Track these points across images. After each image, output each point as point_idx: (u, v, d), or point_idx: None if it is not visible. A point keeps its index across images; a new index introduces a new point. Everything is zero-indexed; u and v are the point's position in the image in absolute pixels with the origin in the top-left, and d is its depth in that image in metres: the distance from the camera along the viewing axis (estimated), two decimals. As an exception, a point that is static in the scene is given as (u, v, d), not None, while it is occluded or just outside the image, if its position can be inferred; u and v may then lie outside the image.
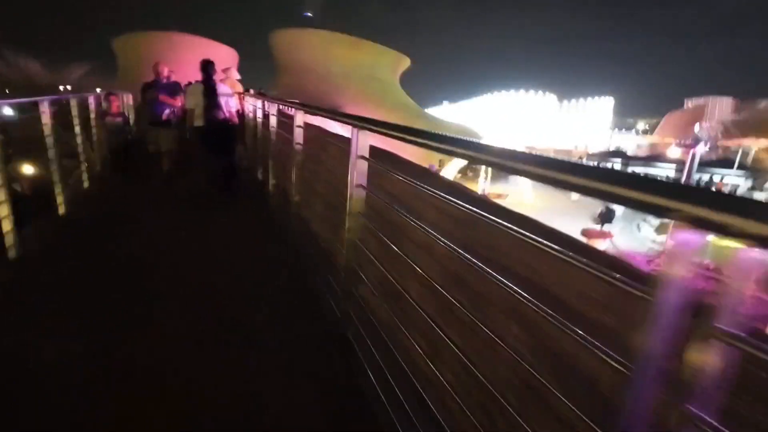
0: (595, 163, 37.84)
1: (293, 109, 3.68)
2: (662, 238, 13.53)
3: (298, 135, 3.50)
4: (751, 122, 56.29)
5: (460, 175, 23.44)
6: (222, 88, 4.96)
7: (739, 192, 26.49)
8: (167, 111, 5.30)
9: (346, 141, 2.01)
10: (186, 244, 3.36)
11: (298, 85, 29.85)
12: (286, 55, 33.14)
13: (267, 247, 3.39)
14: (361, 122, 1.93)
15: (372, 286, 1.91)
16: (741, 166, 27.53)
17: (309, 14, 38.39)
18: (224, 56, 23.83)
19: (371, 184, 1.88)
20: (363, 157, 1.92)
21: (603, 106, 79.14)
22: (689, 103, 72.49)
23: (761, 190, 25.90)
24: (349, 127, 1.98)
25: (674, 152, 52.39)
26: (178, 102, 5.35)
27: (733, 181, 27.22)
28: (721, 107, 63.08)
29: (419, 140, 1.29)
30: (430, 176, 2.09)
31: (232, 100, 5.71)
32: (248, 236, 3.69)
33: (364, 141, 1.97)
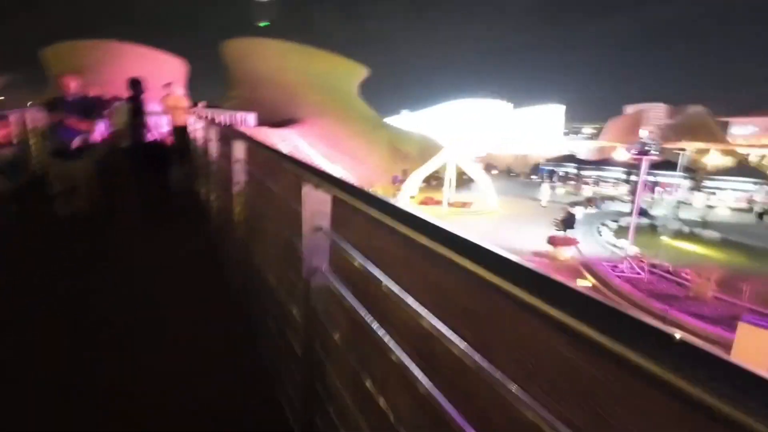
0: (552, 168, 39.33)
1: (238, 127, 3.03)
2: (622, 242, 13.79)
3: (239, 161, 2.76)
4: (683, 126, 61.28)
5: (424, 184, 23.22)
6: (152, 107, 4.49)
7: (681, 192, 28.19)
8: (77, 138, 4.04)
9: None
10: (97, 305, 2.50)
11: (253, 96, 28.64)
12: (240, 66, 31.82)
13: (205, 304, 2.58)
14: (310, 174, 1.35)
15: (338, 374, 1.26)
16: (684, 168, 29.51)
17: (263, 24, 37.23)
18: (170, 68, 22.31)
19: (334, 231, 1.38)
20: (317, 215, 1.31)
21: (555, 112, 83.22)
22: (628, 109, 77.89)
23: (700, 189, 27.72)
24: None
25: (620, 155, 55.74)
26: (96, 125, 4.13)
27: (676, 181, 29.01)
28: (656, 113, 68.32)
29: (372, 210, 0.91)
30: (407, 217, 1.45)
31: (163, 119, 4.80)
32: (182, 288, 2.81)
33: (319, 198, 1.33)
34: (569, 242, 12.19)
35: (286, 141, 19.86)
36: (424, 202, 22.62)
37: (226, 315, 2.46)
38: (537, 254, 12.97)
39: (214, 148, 4.01)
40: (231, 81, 32.61)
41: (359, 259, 1.17)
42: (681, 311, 8.73)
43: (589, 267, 11.34)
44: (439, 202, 22.30)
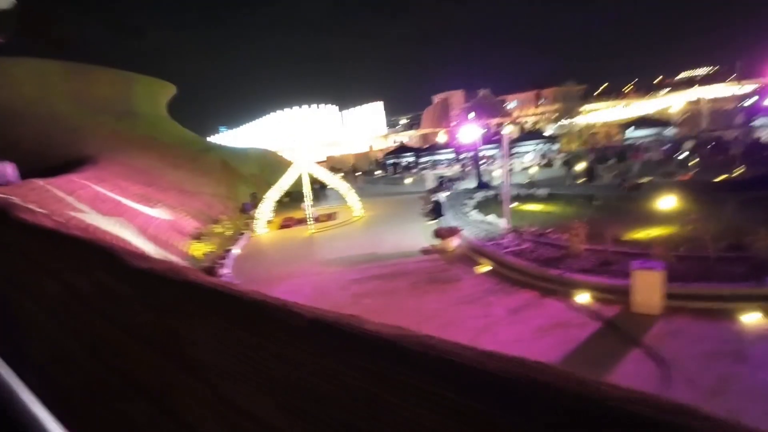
0: (393, 161, 41.29)
1: None
2: (491, 217, 14.38)
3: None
4: (480, 108, 73.61)
5: (276, 205, 20.55)
6: None
7: (498, 161, 32.88)
8: None
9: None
10: None
11: (4, 140, 20.51)
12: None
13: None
14: None
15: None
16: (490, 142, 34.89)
17: None
18: None
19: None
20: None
21: (376, 109, 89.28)
22: (436, 98, 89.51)
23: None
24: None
25: (442, 138, 63.17)
26: None
27: (490, 153, 33.58)
28: (457, 98, 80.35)
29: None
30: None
31: None
32: None
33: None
34: (454, 232, 11.86)
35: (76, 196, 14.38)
36: (285, 225, 20.04)
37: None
38: (426, 251, 12.26)
39: None
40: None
41: None
42: (571, 271, 8.97)
43: (479, 251, 11.12)
44: (301, 221, 20.07)
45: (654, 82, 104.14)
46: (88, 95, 25.94)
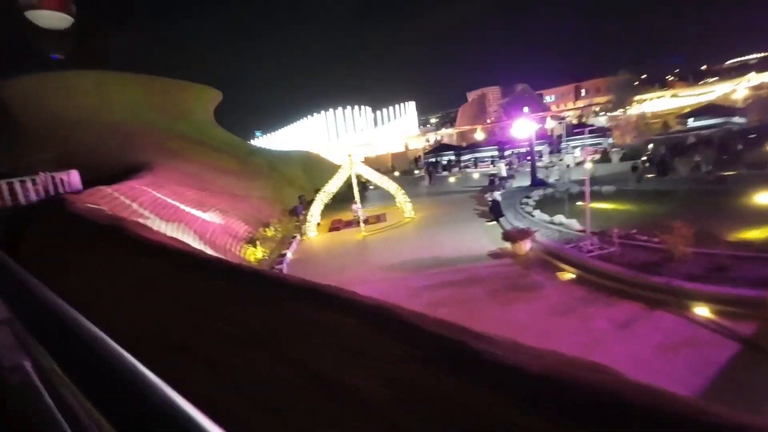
0: (433, 159, 40.39)
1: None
2: (560, 218, 13.36)
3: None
4: (518, 103, 71.12)
5: (320, 206, 20.22)
6: None
7: (546, 157, 31.41)
8: None
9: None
10: None
11: (66, 148, 21.45)
12: (37, 112, 23.77)
13: None
14: None
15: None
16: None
17: (58, 56, 28.37)
18: None
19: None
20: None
21: (408, 109, 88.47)
22: (470, 95, 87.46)
23: (559, 151, 31.24)
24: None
25: (480, 135, 61.51)
26: None
27: (538, 149, 31.99)
28: (494, 94, 78.19)
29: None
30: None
31: None
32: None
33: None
34: (526, 234, 10.99)
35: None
36: (334, 228, 19.77)
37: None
38: (496, 255, 11.45)
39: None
40: (24, 133, 24.14)
41: None
42: (680, 279, 7.88)
43: (557, 255, 10.19)
44: (349, 224, 19.72)
45: (701, 69, 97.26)
46: (144, 103, 26.93)
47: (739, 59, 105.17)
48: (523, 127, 20.86)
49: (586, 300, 8.28)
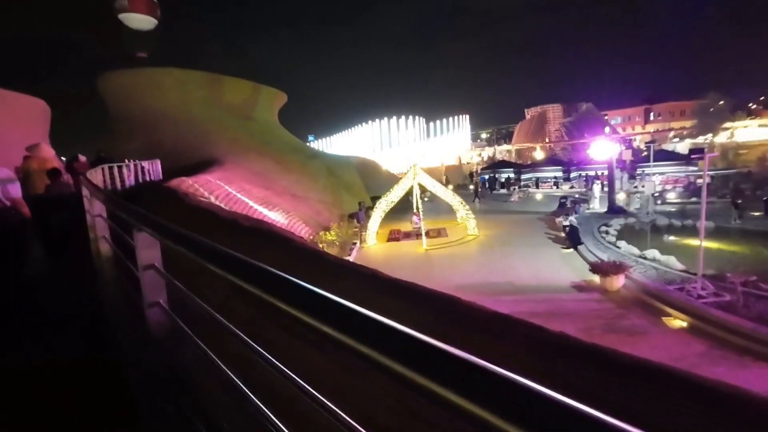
0: (491, 175, 39.09)
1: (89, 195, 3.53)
2: (653, 253, 11.98)
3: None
4: (582, 123, 67.67)
5: (381, 214, 19.78)
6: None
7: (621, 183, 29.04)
8: None
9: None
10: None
11: (151, 139, 22.89)
12: (128, 104, 25.63)
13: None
14: (140, 222, 1.77)
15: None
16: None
17: (142, 54, 30.60)
18: (24, 114, 16.11)
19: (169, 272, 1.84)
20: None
21: (462, 122, 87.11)
22: (529, 112, 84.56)
23: (635, 178, 28.87)
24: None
25: (539, 154, 59.07)
26: None
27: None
28: (555, 112, 74.93)
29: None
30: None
31: (13, 186, 3.84)
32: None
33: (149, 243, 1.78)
34: (621, 268, 9.85)
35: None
36: (393, 238, 19.34)
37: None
38: (581, 287, 10.37)
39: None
40: (116, 123, 26.09)
41: (195, 298, 1.44)
42: None
43: (659, 297, 8.98)
44: (408, 235, 19.21)
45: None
46: (218, 102, 28.30)
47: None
48: (603, 149, 19.35)
49: (710, 357, 7.09)
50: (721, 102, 40.33)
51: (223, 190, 16.62)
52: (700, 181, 26.50)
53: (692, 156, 17.09)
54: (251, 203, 17.55)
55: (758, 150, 35.03)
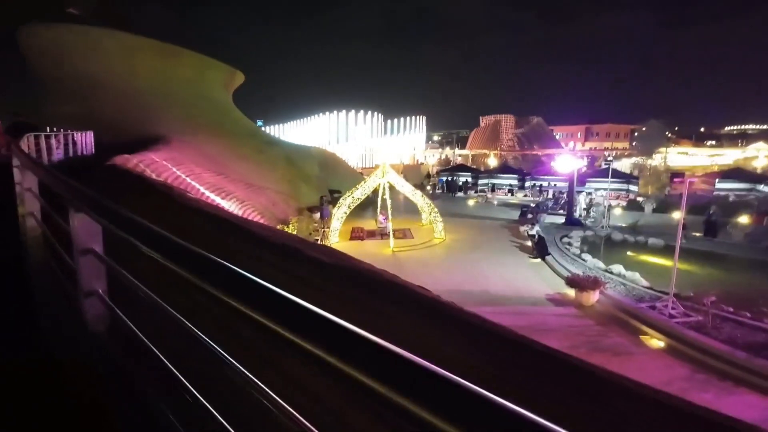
0: (449, 178, 39.42)
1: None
2: (619, 268, 12.31)
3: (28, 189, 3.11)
4: (532, 135, 71.20)
5: (346, 211, 18.82)
6: None
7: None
8: None
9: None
10: None
11: (83, 108, 19.80)
12: (57, 64, 22.05)
13: None
14: (78, 201, 1.61)
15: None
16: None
17: (74, 11, 25.79)
18: None
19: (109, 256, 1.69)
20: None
21: (418, 123, 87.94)
22: (483, 120, 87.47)
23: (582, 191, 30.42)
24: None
25: (492, 161, 61.10)
26: None
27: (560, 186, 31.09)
28: (508, 122, 78.17)
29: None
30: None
31: None
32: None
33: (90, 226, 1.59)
34: (596, 284, 9.87)
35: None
36: (356, 236, 18.47)
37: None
38: (555, 300, 10.31)
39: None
40: (41, 86, 22.33)
41: (139, 284, 1.32)
42: None
43: (633, 315, 9.08)
44: (372, 234, 18.48)
45: (701, 131, 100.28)
46: (168, 74, 25.41)
47: (737, 127, 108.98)
48: (566, 163, 19.99)
49: (695, 382, 7.12)
50: (660, 128, 44.38)
51: (171, 172, 14.68)
52: (640, 198, 28.65)
53: (674, 180, 18.03)
54: (202, 189, 15.73)
55: (690, 176, 38.79)
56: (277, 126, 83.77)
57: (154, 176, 11.78)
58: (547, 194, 29.14)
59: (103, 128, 17.96)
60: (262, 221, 19.01)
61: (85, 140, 14.04)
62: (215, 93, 28.87)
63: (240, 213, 17.81)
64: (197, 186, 15.95)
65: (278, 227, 18.42)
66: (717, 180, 32.82)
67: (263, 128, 79.84)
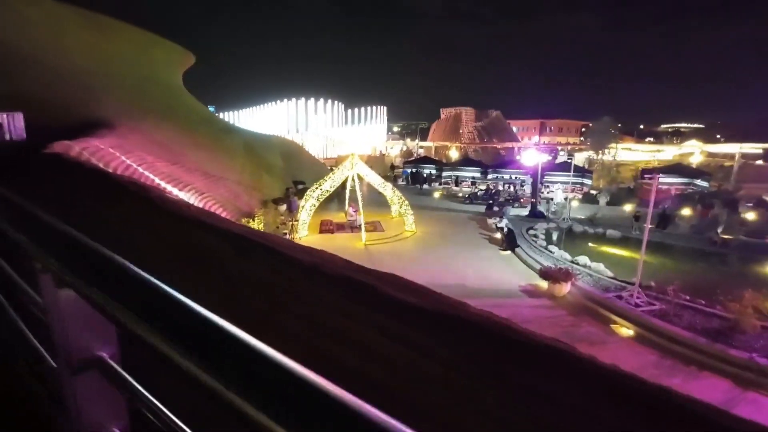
0: (414, 170, 39.50)
1: None
2: (583, 259, 12.78)
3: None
4: (491, 128, 73.08)
5: (315, 203, 18.13)
6: None
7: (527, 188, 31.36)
8: None
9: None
10: None
11: (7, 87, 17.39)
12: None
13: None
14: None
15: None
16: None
17: None
18: None
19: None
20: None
21: (379, 114, 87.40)
22: (443, 112, 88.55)
23: (542, 184, 31.52)
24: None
25: (453, 154, 62.02)
26: None
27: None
28: (468, 115, 79.67)
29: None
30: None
31: None
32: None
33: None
34: (567, 276, 10.14)
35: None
36: (325, 230, 17.90)
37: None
38: (528, 292, 10.51)
39: None
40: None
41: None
42: (758, 355, 7.32)
43: (603, 304, 9.43)
44: (341, 227, 18.02)
45: (640, 128, 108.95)
46: (106, 51, 22.99)
47: (672, 125, 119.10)
48: (532, 157, 20.54)
49: (663, 368, 7.47)
50: (611, 125, 47.14)
51: (120, 161, 13.28)
52: (594, 191, 30.22)
53: (645, 176, 18.94)
54: (157, 180, 14.42)
55: (628, 169, 41.56)
56: (230, 113, 79.62)
57: (101, 165, 10.54)
58: (509, 187, 29.91)
59: (33, 110, 15.89)
60: (224, 214, 17.87)
61: (14, 123, 12.28)
62: (163, 75, 26.59)
63: (201, 205, 16.60)
64: (151, 176, 14.60)
65: (243, 221, 17.42)
66: (659, 175, 35.42)
67: (223, 117, 75.68)
